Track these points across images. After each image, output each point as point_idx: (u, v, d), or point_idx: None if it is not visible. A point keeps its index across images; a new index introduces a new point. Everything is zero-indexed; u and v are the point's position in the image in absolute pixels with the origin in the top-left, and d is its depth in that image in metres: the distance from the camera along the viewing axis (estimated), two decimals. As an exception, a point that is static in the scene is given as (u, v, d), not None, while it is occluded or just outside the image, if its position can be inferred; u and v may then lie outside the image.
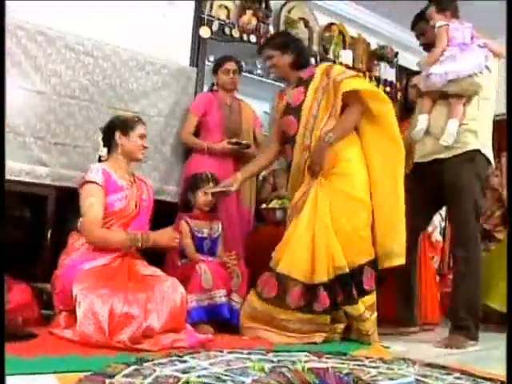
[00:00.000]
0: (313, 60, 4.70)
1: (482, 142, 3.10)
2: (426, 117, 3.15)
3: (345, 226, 2.82)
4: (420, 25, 3.49)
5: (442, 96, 3.13)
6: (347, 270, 2.77)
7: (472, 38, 3.13)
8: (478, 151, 3.06)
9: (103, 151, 2.89)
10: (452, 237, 3.49)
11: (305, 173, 2.98)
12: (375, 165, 2.96)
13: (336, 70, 3.00)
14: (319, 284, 2.75)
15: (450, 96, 3.08)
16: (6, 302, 2.44)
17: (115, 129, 2.87)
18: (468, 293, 3.01)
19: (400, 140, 2.92)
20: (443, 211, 3.73)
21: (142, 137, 2.90)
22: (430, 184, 3.15)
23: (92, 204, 2.67)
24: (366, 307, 2.81)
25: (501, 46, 3.18)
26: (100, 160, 2.89)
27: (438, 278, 3.77)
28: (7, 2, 3.23)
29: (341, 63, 4.81)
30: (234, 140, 3.58)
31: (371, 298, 2.85)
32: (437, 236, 3.73)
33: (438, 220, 3.73)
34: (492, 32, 3.34)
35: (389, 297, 3.31)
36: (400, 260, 2.89)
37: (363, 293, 2.82)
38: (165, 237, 2.78)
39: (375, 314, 2.85)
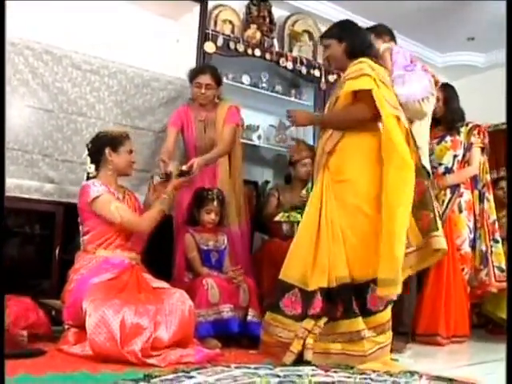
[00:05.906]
0: (317, 72, 4.73)
1: (423, 154, 3.17)
2: None
3: (350, 238, 2.62)
4: None
5: None
6: (349, 280, 2.56)
7: (411, 62, 3.15)
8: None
9: (91, 167, 2.87)
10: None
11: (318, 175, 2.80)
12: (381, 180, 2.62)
13: (350, 69, 2.75)
14: (317, 290, 2.57)
15: None
16: (7, 316, 2.45)
17: (105, 145, 2.85)
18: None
19: (402, 156, 2.56)
20: (471, 223, 3.75)
21: (131, 152, 2.92)
22: None
23: (117, 206, 2.73)
24: (368, 327, 2.53)
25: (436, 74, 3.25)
26: (88, 177, 2.87)
27: (468, 289, 3.75)
28: (13, 21, 3.31)
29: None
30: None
31: (376, 320, 2.57)
32: (466, 248, 3.71)
33: (467, 232, 3.71)
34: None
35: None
36: (389, 290, 2.47)
37: (366, 313, 2.56)
38: (174, 183, 2.93)
39: (382, 337, 2.56)
